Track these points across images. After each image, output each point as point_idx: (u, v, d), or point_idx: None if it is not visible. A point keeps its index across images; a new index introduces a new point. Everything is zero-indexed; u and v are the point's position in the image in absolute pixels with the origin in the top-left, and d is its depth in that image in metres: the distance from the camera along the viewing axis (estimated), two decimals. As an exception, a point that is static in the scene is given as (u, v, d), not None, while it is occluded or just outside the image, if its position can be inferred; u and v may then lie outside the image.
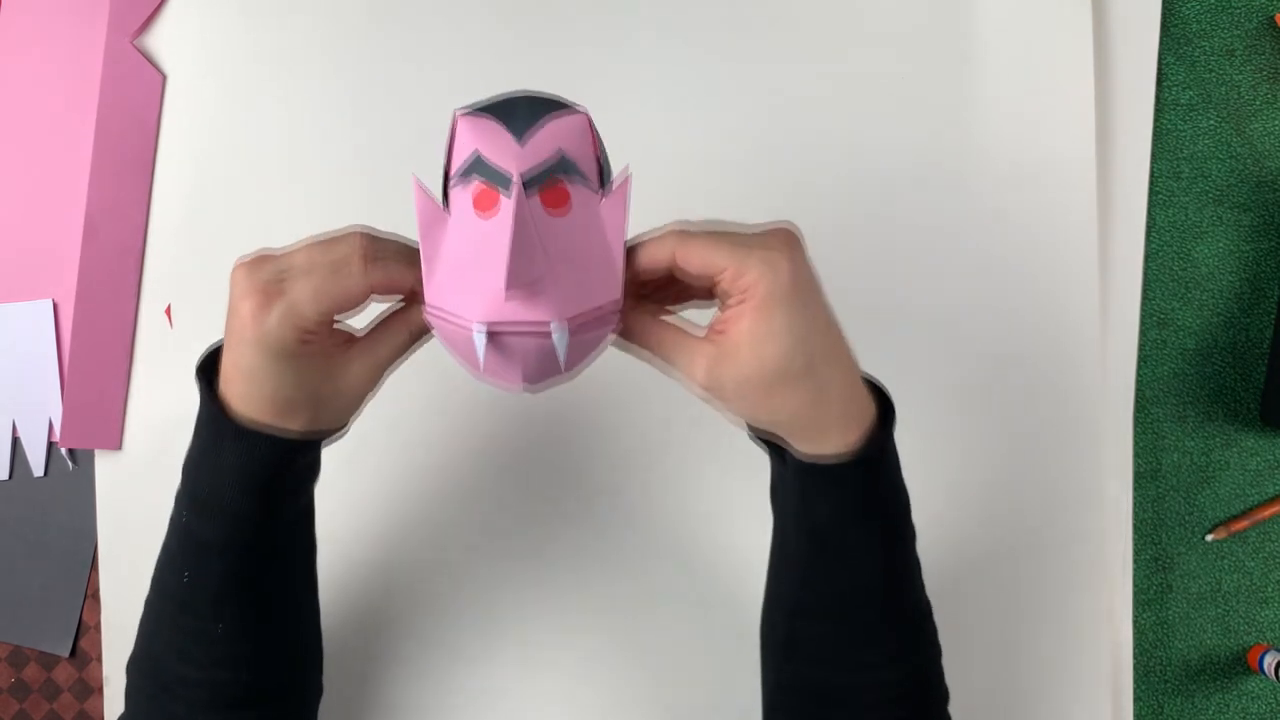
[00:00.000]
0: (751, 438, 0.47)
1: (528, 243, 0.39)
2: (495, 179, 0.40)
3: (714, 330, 0.42)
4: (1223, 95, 0.69)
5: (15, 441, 0.66)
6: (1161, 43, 0.68)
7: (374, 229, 0.43)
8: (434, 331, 0.43)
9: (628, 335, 0.44)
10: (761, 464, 0.48)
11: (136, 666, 0.49)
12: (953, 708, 0.49)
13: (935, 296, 0.66)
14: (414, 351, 0.46)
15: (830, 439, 0.43)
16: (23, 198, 0.66)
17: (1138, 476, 0.68)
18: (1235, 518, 0.69)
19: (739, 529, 0.64)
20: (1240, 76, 0.69)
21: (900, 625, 0.47)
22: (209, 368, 0.45)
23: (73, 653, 0.67)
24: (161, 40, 0.66)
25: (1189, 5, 0.69)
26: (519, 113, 0.41)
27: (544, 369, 0.42)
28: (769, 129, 0.66)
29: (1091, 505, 0.66)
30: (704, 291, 0.44)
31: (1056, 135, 0.66)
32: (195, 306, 0.65)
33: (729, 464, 0.64)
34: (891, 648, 0.47)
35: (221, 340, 0.44)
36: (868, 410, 0.44)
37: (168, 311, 0.66)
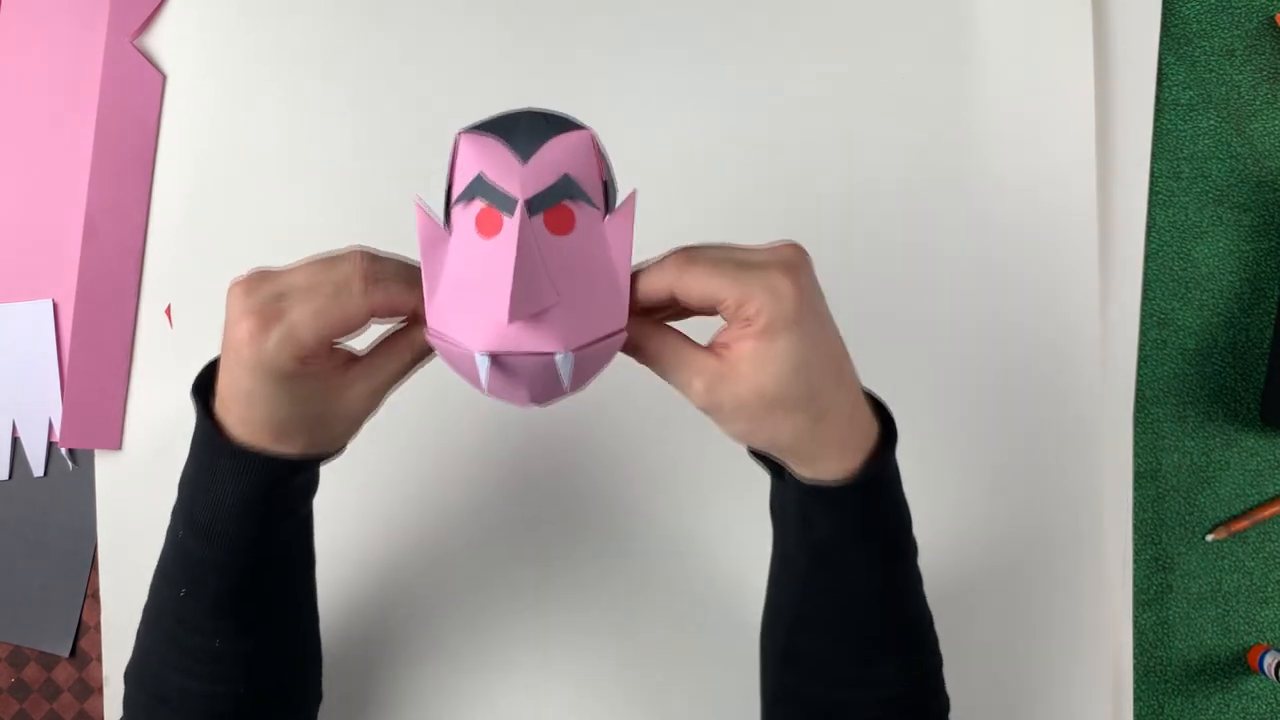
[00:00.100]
0: (751, 455, 0.47)
1: (531, 269, 0.38)
2: (498, 201, 0.39)
3: (717, 344, 0.41)
4: (1223, 95, 0.69)
5: (15, 441, 0.66)
6: (1161, 43, 0.68)
7: (374, 249, 0.42)
8: (437, 352, 0.42)
9: (627, 344, 0.43)
10: (762, 471, 0.48)
11: (134, 676, 0.48)
12: (953, 706, 0.49)
13: (935, 296, 0.66)
14: (416, 371, 0.45)
15: (830, 464, 0.43)
16: (23, 198, 0.66)
17: (1138, 476, 0.68)
18: (1235, 518, 0.69)
19: (739, 535, 0.64)
20: (1240, 76, 0.69)
21: (900, 640, 0.47)
22: (205, 385, 0.44)
23: (73, 653, 0.67)
24: (161, 40, 0.66)
25: (1189, 5, 0.69)
26: (522, 131, 0.40)
27: (550, 390, 0.41)
28: (768, 130, 0.66)
29: (1091, 505, 0.66)
30: (708, 311, 0.43)
31: (1056, 135, 0.66)
32: (195, 306, 0.65)
33: (730, 469, 0.64)
34: (891, 662, 0.47)
35: (218, 357, 0.43)
36: (869, 433, 0.44)
37: (168, 311, 0.66)
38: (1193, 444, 0.69)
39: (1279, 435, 0.69)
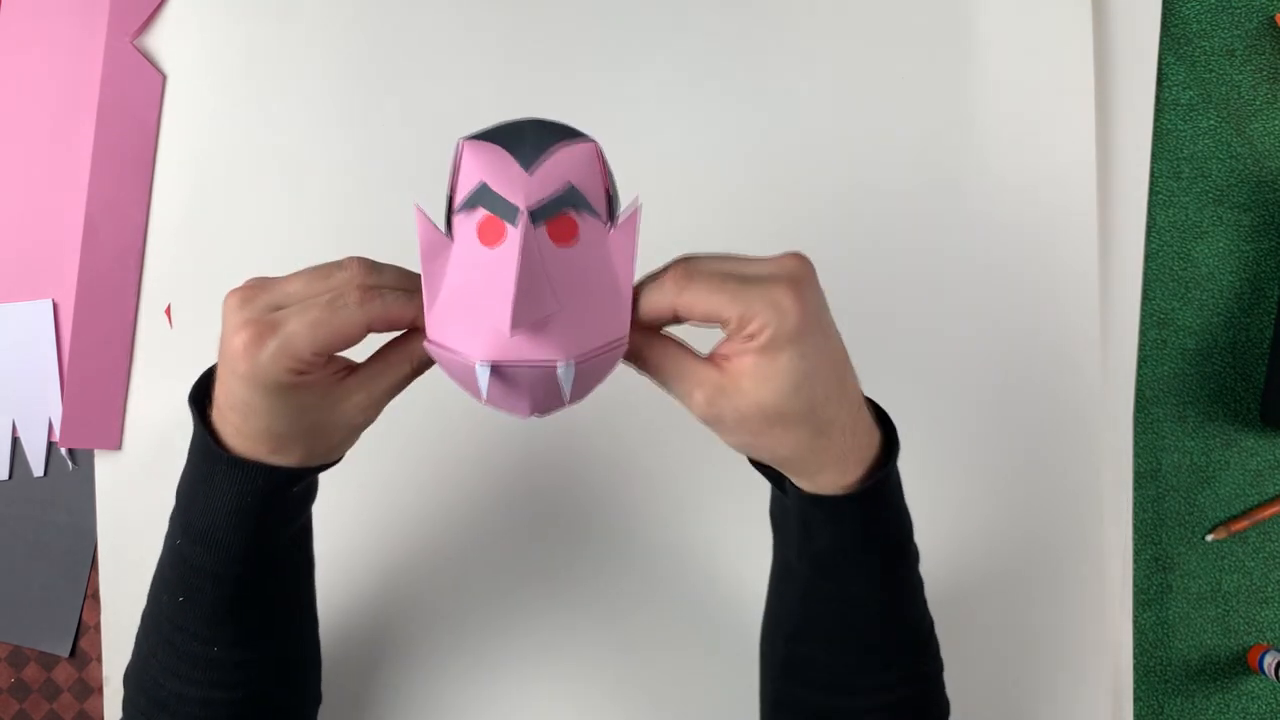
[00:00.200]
0: (752, 464, 0.47)
1: (534, 279, 0.38)
2: (502, 210, 0.39)
3: (718, 355, 0.41)
4: (1223, 95, 0.69)
5: (15, 441, 0.66)
6: (1161, 43, 0.68)
7: (371, 260, 0.41)
8: (436, 362, 0.42)
9: (628, 354, 0.42)
10: (762, 478, 0.48)
11: (133, 680, 0.48)
12: (953, 705, 0.49)
13: (935, 296, 0.66)
14: (414, 380, 0.44)
15: (830, 476, 0.42)
16: (23, 198, 0.66)
17: (1138, 476, 0.68)
18: (1235, 518, 0.69)
19: (739, 542, 0.63)
20: (1240, 76, 0.69)
21: (901, 646, 0.47)
22: (202, 393, 0.44)
23: (73, 653, 0.67)
24: (161, 40, 0.66)
25: (1189, 5, 0.69)
26: (527, 140, 0.40)
27: (551, 400, 0.41)
28: (769, 130, 0.66)
29: (1091, 505, 0.66)
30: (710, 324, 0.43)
31: (1057, 136, 0.66)
32: (195, 306, 0.65)
33: (729, 477, 0.64)
34: (892, 669, 0.47)
35: (215, 365, 0.42)
36: (870, 445, 0.43)
37: (168, 311, 0.66)
38: (1193, 444, 0.69)
39: (1279, 435, 0.69)
